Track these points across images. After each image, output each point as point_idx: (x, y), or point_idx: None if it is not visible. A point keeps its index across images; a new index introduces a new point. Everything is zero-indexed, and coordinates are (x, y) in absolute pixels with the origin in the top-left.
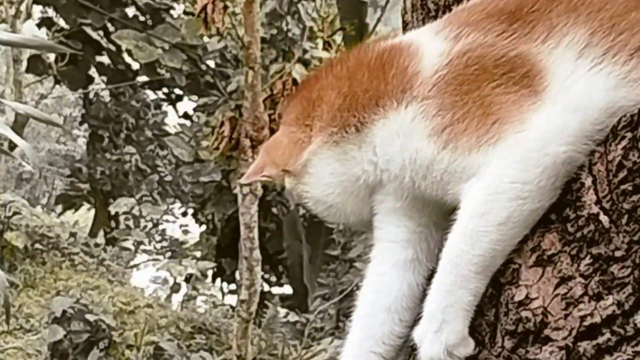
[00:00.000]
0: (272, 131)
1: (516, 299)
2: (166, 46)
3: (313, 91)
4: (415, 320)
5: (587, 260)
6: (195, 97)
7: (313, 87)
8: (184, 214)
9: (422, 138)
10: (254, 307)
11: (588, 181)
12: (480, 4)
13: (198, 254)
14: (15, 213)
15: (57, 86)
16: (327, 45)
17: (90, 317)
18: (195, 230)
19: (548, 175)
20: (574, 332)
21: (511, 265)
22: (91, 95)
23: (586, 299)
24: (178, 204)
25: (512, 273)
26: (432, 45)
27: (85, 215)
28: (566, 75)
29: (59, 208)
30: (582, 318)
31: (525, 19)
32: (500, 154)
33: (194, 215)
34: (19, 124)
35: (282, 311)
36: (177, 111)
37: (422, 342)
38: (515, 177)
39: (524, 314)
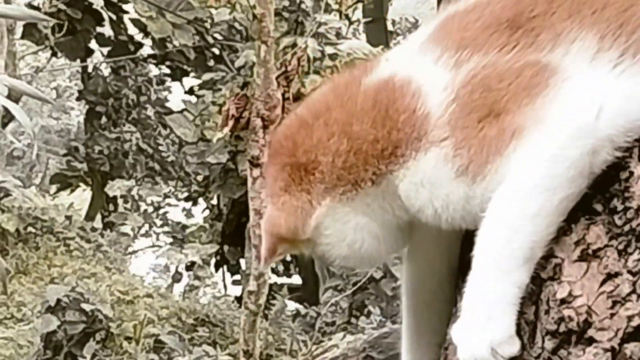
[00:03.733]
0: (283, 109)
1: (558, 296)
2: (177, 20)
3: (299, 156)
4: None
5: (636, 256)
6: (200, 73)
7: (297, 151)
8: (187, 198)
9: (450, 182)
10: (262, 299)
11: (638, 170)
12: (473, 11)
13: (201, 240)
14: (6, 194)
15: (54, 58)
16: (343, 18)
17: (86, 307)
18: (199, 215)
19: (576, 166)
20: (620, 333)
21: (553, 259)
22: (90, 69)
23: (634, 297)
24: (181, 187)
25: (554, 268)
26: (433, 79)
27: (81, 198)
28: (584, 75)
29: (53, 189)
30: (630, 318)
31: (526, 26)
32: (524, 156)
33: (197, 198)
34: (12, 99)
35: (290, 303)
36: (183, 86)
37: (462, 341)
38: (544, 172)
39: (566, 312)
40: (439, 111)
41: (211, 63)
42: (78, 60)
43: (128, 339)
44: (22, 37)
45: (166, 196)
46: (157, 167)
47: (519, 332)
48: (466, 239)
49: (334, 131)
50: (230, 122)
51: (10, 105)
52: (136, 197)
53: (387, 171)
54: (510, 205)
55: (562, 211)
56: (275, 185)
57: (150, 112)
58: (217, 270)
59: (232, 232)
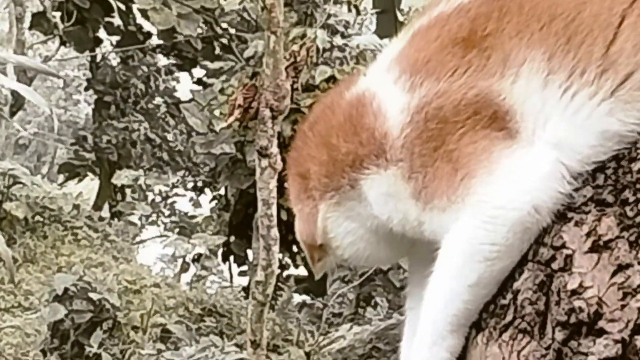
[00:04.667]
0: (292, 100)
1: (569, 287)
2: (183, 10)
3: (299, 166)
4: None
5: None
6: (209, 63)
7: (298, 161)
8: (195, 188)
9: (407, 199)
10: (270, 289)
11: None
12: (434, 27)
13: (208, 230)
14: (15, 182)
15: (64, 48)
16: (353, 9)
17: (93, 296)
18: (206, 205)
19: (515, 232)
20: (631, 325)
21: (564, 250)
22: (98, 59)
23: None
24: (188, 177)
25: (565, 259)
26: (392, 99)
27: (88, 187)
28: (537, 111)
29: (61, 178)
30: None
31: (479, 46)
32: (468, 212)
33: (205, 188)
34: None
35: (297, 294)
36: (192, 76)
37: None
38: (483, 238)
39: (577, 303)
40: (396, 132)
41: (220, 53)
42: (87, 51)
43: (135, 328)
44: (31, 28)
45: (174, 186)
46: (165, 156)
47: (529, 323)
48: None
49: (318, 143)
50: (237, 112)
51: (21, 88)
52: (144, 187)
53: (359, 178)
54: (451, 268)
55: (501, 280)
56: (292, 197)
57: (158, 102)
58: (224, 261)
59: (239, 222)
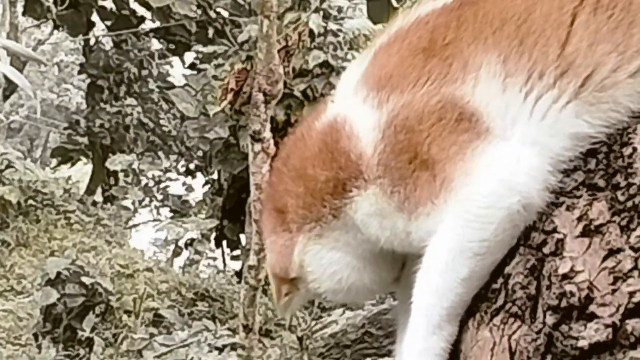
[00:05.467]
0: (285, 85)
1: (560, 271)
2: None
3: (276, 201)
4: None
5: (638, 232)
6: (203, 48)
7: (274, 197)
8: (188, 172)
9: (392, 214)
10: (263, 274)
11: None
12: (394, 43)
13: (201, 215)
14: (7, 166)
15: (58, 32)
16: None
17: (86, 280)
18: (199, 190)
19: (504, 228)
20: (622, 309)
21: (555, 235)
22: (91, 43)
23: (636, 273)
24: (182, 161)
25: (556, 243)
26: (363, 119)
27: (82, 171)
28: (503, 113)
29: (54, 162)
30: (631, 294)
31: (440, 55)
32: (454, 211)
33: (197, 173)
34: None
35: None
36: (183, 63)
37: None
38: (471, 236)
39: (568, 287)
40: (370, 151)
41: (213, 37)
42: (80, 35)
43: (128, 312)
44: (24, 14)
45: (167, 170)
46: (158, 141)
47: (520, 307)
48: None
49: (294, 176)
50: (229, 96)
51: (8, 70)
52: (137, 171)
53: (342, 205)
54: (440, 265)
55: (492, 268)
56: (267, 230)
57: (152, 86)
58: (217, 245)
59: (232, 207)
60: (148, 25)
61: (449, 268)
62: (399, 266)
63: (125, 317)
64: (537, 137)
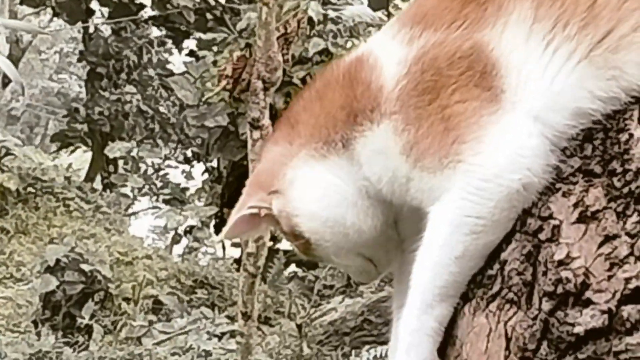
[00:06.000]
0: (285, 72)
1: (556, 257)
2: None
3: (291, 113)
4: None
5: (635, 218)
6: (202, 35)
7: (291, 111)
8: (187, 160)
9: (397, 156)
10: (261, 261)
11: (637, 132)
12: None
13: (200, 202)
14: (7, 153)
15: (58, 20)
16: None
17: (85, 267)
18: (199, 177)
19: (502, 208)
20: (618, 295)
21: (551, 221)
22: (91, 30)
23: (632, 259)
24: (181, 149)
25: (553, 230)
26: (389, 54)
27: (81, 159)
28: (521, 65)
29: (53, 148)
30: (627, 280)
31: (477, 0)
32: (458, 181)
33: (197, 161)
34: (13, 59)
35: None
36: (179, 51)
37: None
38: (470, 210)
39: (564, 274)
40: (391, 84)
41: (213, 25)
42: (79, 23)
43: (127, 299)
44: (22, 2)
45: (166, 158)
46: (157, 128)
47: (516, 293)
48: None
49: (314, 97)
50: (224, 82)
51: (1, 61)
52: (136, 159)
53: (352, 137)
54: (439, 240)
55: (486, 253)
56: (269, 140)
57: (151, 73)
58: (216, 232)
59: (231, 194)
60: (147, 12)
61: (445, 243)
62: (386, 221)
63: (124, 304)
64: (542, 109)
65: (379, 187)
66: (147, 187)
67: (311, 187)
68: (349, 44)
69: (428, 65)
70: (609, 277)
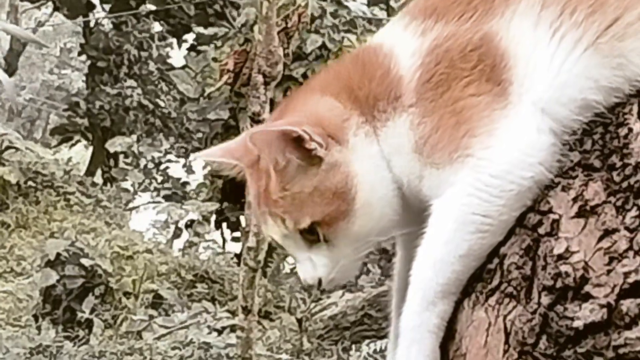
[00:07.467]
0: (285, 67)
1: (555, 251)
2: None
3: (352, 79)
4: None
5: (634, 212)
6: (202, 30)
7: (352, 78)
8: (187, 154)
9: (409, 153)
10: (262, 256)
11: (637, 127)
12: None
13: (201, 197)
14: (8, 147)
15: (56, 13)
16: None
17: (85, 262)
18: (199, 172)
19: (511, 207)
20: (617, 289)
21: (551, 215)
22: (91, 24)
23: (631, 254)
24: (181, 143)
25: (552, 224)
26: (404, 45)
27: (81, 153)
28: (528, 54)
29: (54, 142)
30: (626, 274)
31: None
32: (466, 176)
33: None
34: (14, 53)
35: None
36: (179, 45)
37: (397, 355)
38: (477, 207)
39: (563, 268)
40: (409, 75)
41: (213, 20)
42: (80, 17)
43: (127, 294)
44: None
45: (167, 152)
46: (158, 123)
47: (515, 287)
48: None
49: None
50: (225, 77)
51: None
52: (137, 153)
53: (378, 126)
54: (443, 236)
55: (489, 250)
56: (329, 87)
57: (151, 68)
58: (217, 227)
59: (232, 189)
60: (148, 7)
61: (450, 239)
62: (401, 219)
63: (124, 298)
64: (548, 101)
65: (401, 184)
66: (147, 181)
67: (372, 165)
68: (345, 40)
69: (441, 57)
70: (608, 272)
